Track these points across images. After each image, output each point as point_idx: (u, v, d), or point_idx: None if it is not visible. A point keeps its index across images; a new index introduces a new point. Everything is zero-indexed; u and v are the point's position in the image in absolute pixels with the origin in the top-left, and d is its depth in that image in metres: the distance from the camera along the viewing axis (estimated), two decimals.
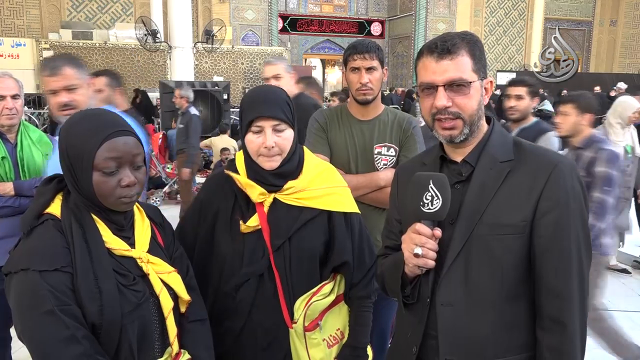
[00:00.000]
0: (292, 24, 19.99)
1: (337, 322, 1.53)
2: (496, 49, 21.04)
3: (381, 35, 20.87)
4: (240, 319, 1.45)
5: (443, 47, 1.15)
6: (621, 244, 4.74)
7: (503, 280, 1.15)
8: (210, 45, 11.47)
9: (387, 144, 2.13)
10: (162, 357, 1.22)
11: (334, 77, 22.78)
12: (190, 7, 11.26)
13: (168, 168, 7.55)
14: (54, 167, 2.07)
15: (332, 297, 1.50)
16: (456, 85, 1.15)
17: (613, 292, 4.31)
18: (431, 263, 1.14)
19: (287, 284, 1.43)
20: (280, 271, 1.43)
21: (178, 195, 6.99)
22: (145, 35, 10.91)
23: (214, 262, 1.49)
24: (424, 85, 1.19)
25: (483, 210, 1.15)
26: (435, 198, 1.11)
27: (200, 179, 7.72)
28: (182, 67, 10.87)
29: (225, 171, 1.51)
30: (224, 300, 1.46)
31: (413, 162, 1.39)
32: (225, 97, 9.28)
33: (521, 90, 3.19)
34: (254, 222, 1.43)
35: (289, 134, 1.44)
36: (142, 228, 1.26)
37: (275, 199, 1.45)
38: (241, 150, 1.51)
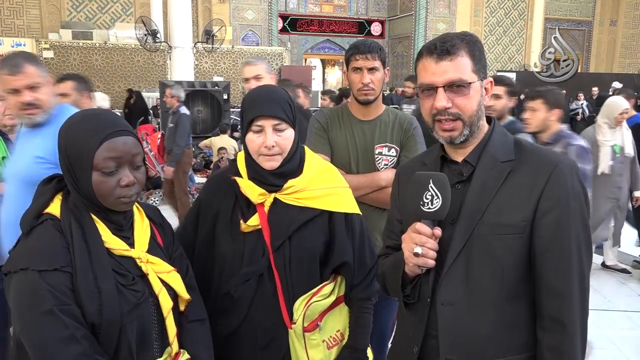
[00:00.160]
0: (292, 24, 19.99)
1: (337, 323, 1.52)
2: (496, 49, 21.04)
3: (381, 36, 20.87)
4: (239, 319, 1.44)
5: (442, 48, 1.15)
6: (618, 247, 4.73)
7: (503, 280, 1.15)
8: (210, 45, 11.47)
9: (388, 144, 2.13)
10: (161, 356, 1.22)
11: (334, 77, 22.78)
12: (190, 7, 11.26)
13: None
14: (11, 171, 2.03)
15: (333, 298, 1.49)
16: (456, 86, 1.16)
17: (613, 292, 4.32)
18: (431, 262, 1.14)
19: (286, 284, 1.43)
20: (280, 271, 1.43)
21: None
22: (145, 35, 10.90)
23: (214, 262, 1.48)
24: (423, 86, 1.19)
25: (484, 210, 1.15)
26: (435, 197, 1.11)
27: (200, 179, 7.73)
28: (182, 67, 10.88)
29: (224, 173, 1.51)
30: (224, 300, 1.45)
31: (414, 162, 1.39)
32: (225, 97, 9.29)
33: (499, 90, 3.12)
34: (254, 221, 1.43)
35: (289, 134, 1.43)
36: (142, 228, 1.26)
37: (275, 199, 1.45)
38: (242, 151, 1.51)
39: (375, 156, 2.12)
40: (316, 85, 18.33)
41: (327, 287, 1.48)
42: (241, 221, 1.44)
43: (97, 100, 5.39)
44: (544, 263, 1.13)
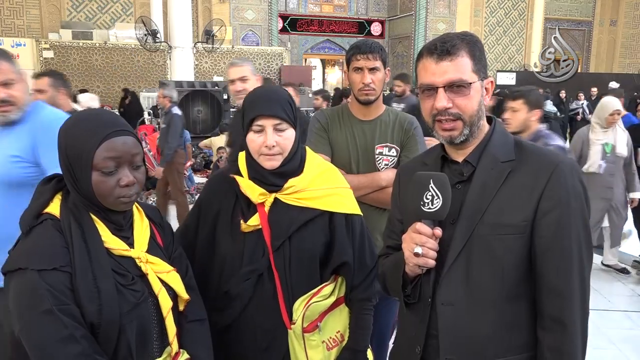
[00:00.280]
0: (292, 24, 19.99)
1: (337, 324, 1.52)
2: (496, 49, 21.04)
3: (381, 35, 20.87)
4: (239, 319, 1.44)
5: (442, 48, 1.15)
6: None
7: (504, 280, 1.15)
8: (210, 45, 11.47)
9: (388, 144, 2.13)
10: (160, 356, 1.22)
11: (334, 77, 22.78)
12: (190, 7, 11.27)
13: None
14: None
15: (333, 299, 1.49)
16: (456, 87, 1.16)
17: (613, 292, 4.31)
18: (431, 262, 1.14)
19: (286, 284, 1.43)
20: (280, 271, 1.42)
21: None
22: (145, 35, 10.91)
23: (215, 262, 1.48)
24: (424, 86, 1.19)
25: (484, 210, 1.15)
26: (436, 197, 1.11)
27: (200, 179, 7.73)
28: (182, 67, 10.90)
29: (225, 173, 1.51)
30: (224, 300, 1.45)
31: (414, 162, 1.39)
32: (225, 97, 9.30)
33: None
34: (254, 221, 1.43)
35: (290, 134, 1.43)
36: (141, 228, 1.26)
37: (276, 199, 1.44)
38: (244, 150, 1.50)
39: (376, 156, 2.12)
40: (316, 85, 18.32)
41: (327, 288, 1.48)
42: (241, 221, 1.44)
43: (85, 101, 5.39)
44: (545, 263, 1.13)
